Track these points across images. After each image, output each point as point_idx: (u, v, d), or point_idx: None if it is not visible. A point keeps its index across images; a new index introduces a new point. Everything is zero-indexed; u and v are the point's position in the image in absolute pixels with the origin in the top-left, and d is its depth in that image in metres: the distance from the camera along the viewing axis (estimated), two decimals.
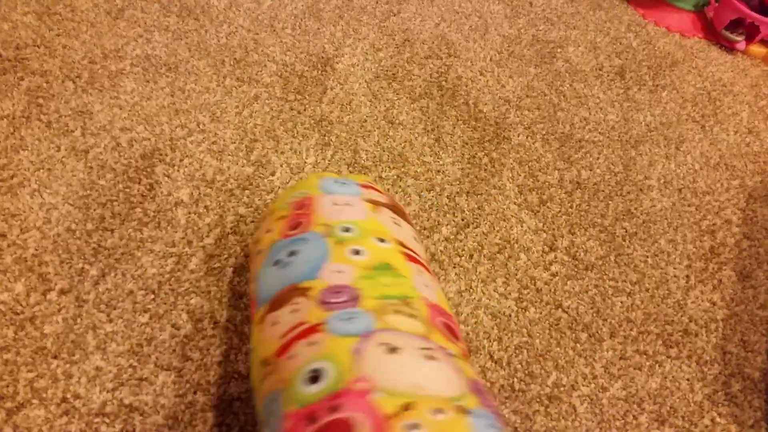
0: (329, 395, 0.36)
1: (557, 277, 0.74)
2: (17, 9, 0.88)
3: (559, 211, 0.81)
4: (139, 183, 0.73)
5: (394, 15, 1.07)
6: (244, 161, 0.78)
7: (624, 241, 0.80)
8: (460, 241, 0.76)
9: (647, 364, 0.68)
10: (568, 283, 0.74)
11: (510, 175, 0.85)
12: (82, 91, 0.81)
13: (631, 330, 0.71)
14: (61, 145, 0.74)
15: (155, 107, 0.81)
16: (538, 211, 0.81)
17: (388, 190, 0.79)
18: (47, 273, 0.63)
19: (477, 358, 0.65)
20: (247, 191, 0.75)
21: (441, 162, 0.84)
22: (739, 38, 1.16)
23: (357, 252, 0.49)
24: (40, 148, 0.74)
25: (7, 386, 0.55)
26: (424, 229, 0.76)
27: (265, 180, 0.76)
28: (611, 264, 0.77)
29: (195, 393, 0.58)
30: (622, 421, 0.64)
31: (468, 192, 0.81)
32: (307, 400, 0.37)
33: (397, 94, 0.93)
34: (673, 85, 1.06)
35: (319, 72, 0.93)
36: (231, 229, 0.70)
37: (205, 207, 0.72)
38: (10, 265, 0.63)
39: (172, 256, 0.67)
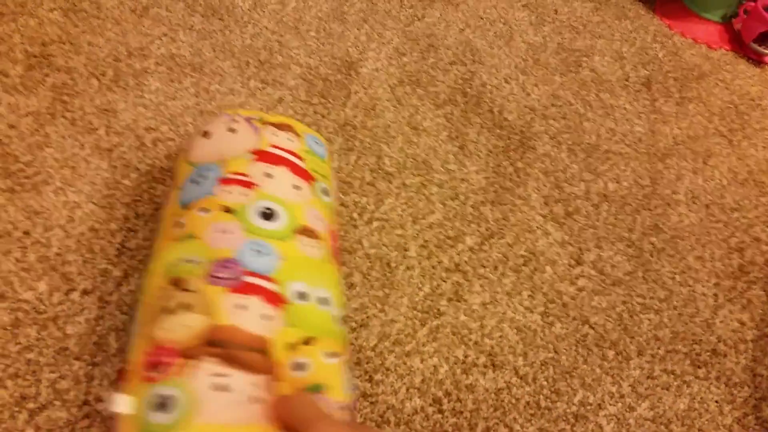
0: None
1: (584, 292, 0.73)
2: (44, 5, 0.87)
3: (586, 224, 0.80)
4: (164, 183, 0.72)
5: (419, 20, 1.06)
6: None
7: (652, 256, 0.78)
8: (485, 251, 0.74)
9: (675, 384, 0.67)
10: (595, 298, 0.72)
11: (535, 185, 0.83)
12: (106, 89, 0.80)
13: (658, 348, 0.70)
14: (85, 143, 0.74)
15: (180, 107, 0.80)
16: (564, 223, 0.80)
17: (412, 198, 0.78)
18: (70, 272, 0.63)
19: (502, 373, 0.64)
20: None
21: (465, 170, 0.83)
22: (767, 51, 1.14)
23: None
24: (65, 145, 0.73)
25: (30, 386, 0.55)
26: (448, 238, 0.75)
27: None
28: (639, 280, 0.75)
29: None
30: None
31: (493, 202, 0.80)
32: None
33: (422, 99, 0.92)
34: (700, 97, 1.05)
35: (343, 76, 0.92)
36: None
37: None
38: (34, 264, 0.62)
39: None
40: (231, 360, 0.40)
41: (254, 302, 0.43)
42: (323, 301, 0.47)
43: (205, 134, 0.58)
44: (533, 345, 0.67)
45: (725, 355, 0.70)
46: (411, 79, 0.95)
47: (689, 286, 0.76)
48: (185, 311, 0.42)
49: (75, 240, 0.65)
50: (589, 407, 0.63)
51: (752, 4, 1.15)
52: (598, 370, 0.66)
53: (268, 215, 0.49)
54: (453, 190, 0.80)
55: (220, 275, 0.44)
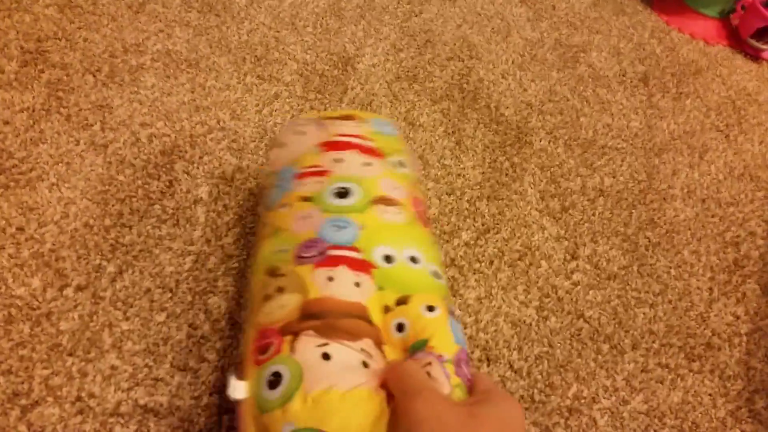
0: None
1: (579, 286, 0.73)
2: (39, 1, 0.87)
3: (582, 219, 0.80)
4: (159, 179, 0.72)
5: (416, 15, 1.06)
6: (264, 160, 0.77)
7: (647, 251, 0.78)
8: (480, 246, 0.74)
9: (669, 377, 0.67)
10: (590, 292, 0.72)
11: (531, 180, 0.83)
12: (102, 85, 0.80)
13: (653, 342, 0.70)
14: (80, 139, 0.74)
15: (175, 103, 0.80)
16: (560, 218, 0.79)
17: None
18: (64, 268, 0.63)
19: (496, 367, 0.64)
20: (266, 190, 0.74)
21: (462, 165, 0.83)
22: (765, 47, 1.14)
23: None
24: (59, 141, 0.73)
25: (22, 383, 0.55)
26: (444, 233, 0.75)
27: None
28: (634, 274, 0.75)
29: (211, 395, 0.57)
30: None
31: (489, 197, 0.80)
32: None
33: (418, 95, 0.92)
34: (696, 93, 1.05)
35: (340, 71, 0.92)
36: (250, 229, 0.70)
37: (224, 205, 0.71)
38: (27, 260, 0.62)
39: (190, 255, 0.66)
40: (330, 329, 0.41)
41: (341, 272, 0.44)
42: (413, 260, 0.48)
43: (280, 144, 0.60)
44: (528, 339, 0.67)
45: (719, 349, 0.70)
46: (408, 75, 0.95)
47: (684, 280, 0.76)
48: (280, 294, 0.44)
49: (69, 236, 0.65)
50: (583, 401, 0.63)
51: None
52: (592, 364, 0.66)
53: (342, 193, 0.51)
54: (449, 185, 0.80)
55: (305, 254, 0.46)
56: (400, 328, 0.43)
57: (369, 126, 0.60)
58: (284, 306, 0.43)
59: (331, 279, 0.44)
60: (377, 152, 0.56)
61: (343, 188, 0.51)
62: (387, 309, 0.44)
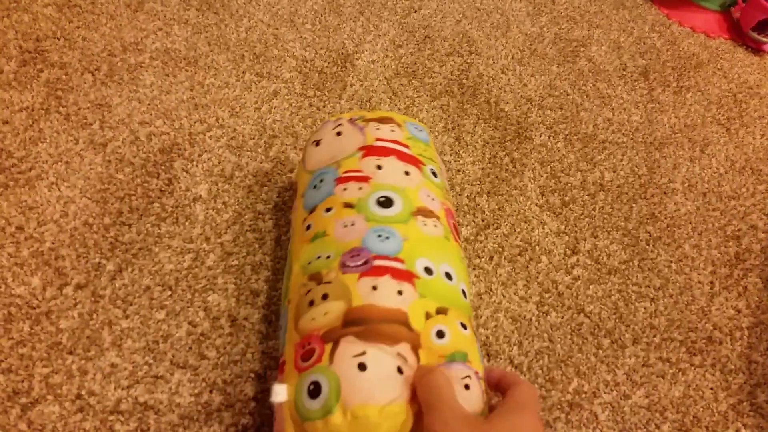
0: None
1: (579, 281, 0.73)
2: (38, 1, 0.87)
3: (582, 214, 0.80)
4: (158, 177, 0.72)
5: (415, 11, 1.06)
6: (263, 157, 0.77)
7: (648, 245, 0.78)
8: (480, 242, 0.74)
9: (670, 371, 0.67)
10: (591, 287, 0.72)
11: (531, 175, 0.83)
12: (101, 84, 0.80)
13: (654, 336, 0.69)
14: (79, 137, 0.74)
15: (174, 101, 0.80)
16: (560, 213, 0.79)
17: None
18: (64, 267, 0.63)
19: (497, 363, 0.64)
20: (265, 188, 0.74)
21: (461, 161, 0.83)
22: (766, 39, 1.14)
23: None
24: (59, 140, 0.73)
25: (22, 381, 0.55)
26: None
27: (284, 177, 0.75)
28: (635, 269, 0.75)
29: (211, 392, 0.57)
30: (644, 429, 0.62)
31: (488, 192, 0.80)
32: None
33: (418, 91, 0.92)
34: (697, 86, 1.04)
35: (339, 68, 0.92)
36: (249, 226, 0.70)
37: (224, 203, 0.71)
38: (27, 259, 0.63)
39: (189, 252, 0.66)
40: (370, 334, 0.43)
41: (385, 281, 0.46)
42: (448, 276, 0.49)
43: (316, 143, 0.61)
44: (528, 334, 0.67)
45: (721, 343, 0.70)
46: (407, 71, 0.94)
47: (685, 274, 0.76)
48: (324, 300, 0.45)
49: (68, 235, 0.65)
50: (584, 395, 0.63)
51: None
52: (593, 359, 0.66)
53: (385, 203, 0.52)
54: (449, 181, 0.80)
55: (351, 263, 0.47)
56: (440, 334, 0.45)
57: (405, 131, 0.61)
58: (328, 313, 0.45)
59: (374, 288, 0.45)
60: (414, 160, 0.57)
61: (385, 198, 0.52)
62: (428, 315, 0.45)
